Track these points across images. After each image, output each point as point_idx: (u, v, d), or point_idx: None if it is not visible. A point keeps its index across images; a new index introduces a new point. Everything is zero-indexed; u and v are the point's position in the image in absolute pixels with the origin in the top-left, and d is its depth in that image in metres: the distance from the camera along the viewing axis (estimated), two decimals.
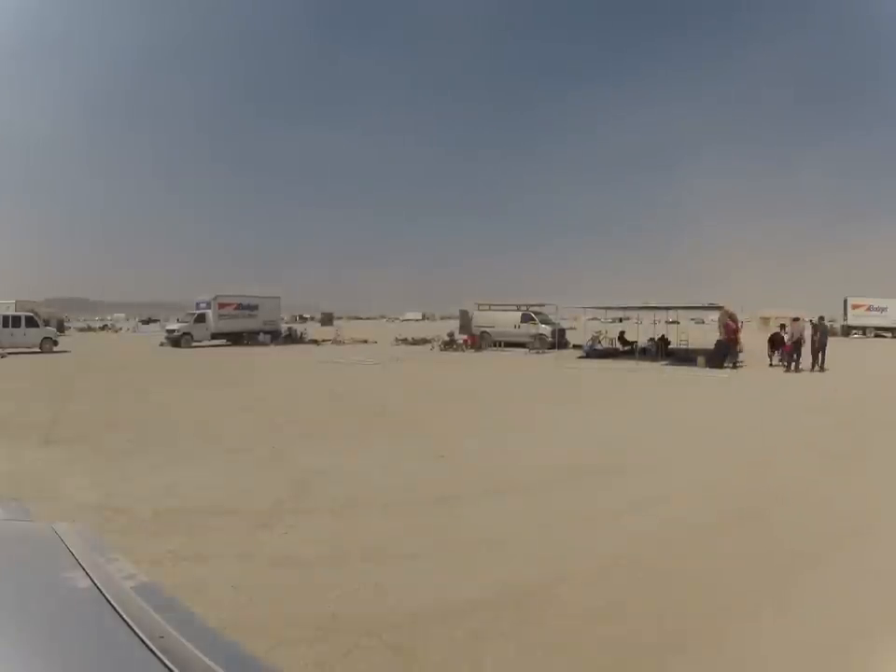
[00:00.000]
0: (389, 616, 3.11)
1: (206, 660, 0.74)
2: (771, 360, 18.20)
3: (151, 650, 0.75)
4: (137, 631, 0.79)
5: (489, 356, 23.44)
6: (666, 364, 19.01)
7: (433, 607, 3.24)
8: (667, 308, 21.49)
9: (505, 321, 26.82)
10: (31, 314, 25.32)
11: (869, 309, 39.96)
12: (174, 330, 28.20)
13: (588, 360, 20.37)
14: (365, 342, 31.24)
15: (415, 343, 30.25)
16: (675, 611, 3.21)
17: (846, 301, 40.68)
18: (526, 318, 26.12)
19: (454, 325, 29.40)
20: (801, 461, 6.70)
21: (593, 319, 31.99)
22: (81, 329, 54.20)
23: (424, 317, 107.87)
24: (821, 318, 17.59)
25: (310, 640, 2.87)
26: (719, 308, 19.35)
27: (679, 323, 26.14)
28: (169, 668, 0.71)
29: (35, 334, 23.91)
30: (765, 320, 44.60)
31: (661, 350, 21.30)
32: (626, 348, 22.99)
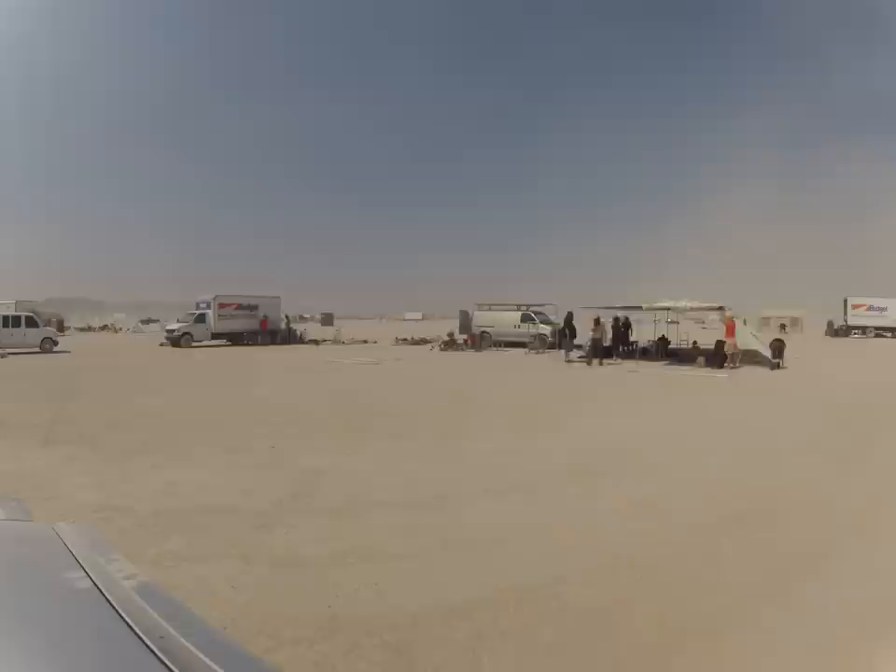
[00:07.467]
0: (389, 616, 3.12)
1: (206, 660, 0.74)
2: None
3: (151, 650, 0.75)
4: (137, 631, 0.79)
5: (489, 356, 23.45)
6: (667, 364, 19.02)
7: (433, 607, 3.24)
8: (667, 309, 21.46)
9: (505, 321, 26.83)
10: (31, 314, 25.32)
11: (869, 309, 39.94)
12: (174, 330, 28.17)
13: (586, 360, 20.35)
14: (365, 342, 31.24)
15: (415, 343, 30.26)
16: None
17: (846, 301, 40.67)
18: (526, 318, 26.15)
19: (454, 325, 29.38)
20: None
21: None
22: (81, 329, 54.13)
23: (424, 317, 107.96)
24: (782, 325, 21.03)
25: (310, 640, 2.87)
26: (718, 309, 19.35)
27: (678, 323, 26.13)
28: (169, 668, 0.71)
29: (34, 334, 23.88)
30: (766, 320, 44.63)
31: (661, 350, 21.29)
32: (626, 348, 22.95)
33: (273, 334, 30.62)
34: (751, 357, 18.10)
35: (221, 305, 28.86)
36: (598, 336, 19.31)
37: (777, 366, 17.38)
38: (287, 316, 32.93)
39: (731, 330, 17.96)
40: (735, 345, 17.77)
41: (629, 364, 18.55)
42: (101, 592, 0.90)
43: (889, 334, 37.64)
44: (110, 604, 0.87)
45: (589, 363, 18.73)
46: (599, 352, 19.15)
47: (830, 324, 41.27)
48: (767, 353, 17.86)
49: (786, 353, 17.93)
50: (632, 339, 22.61)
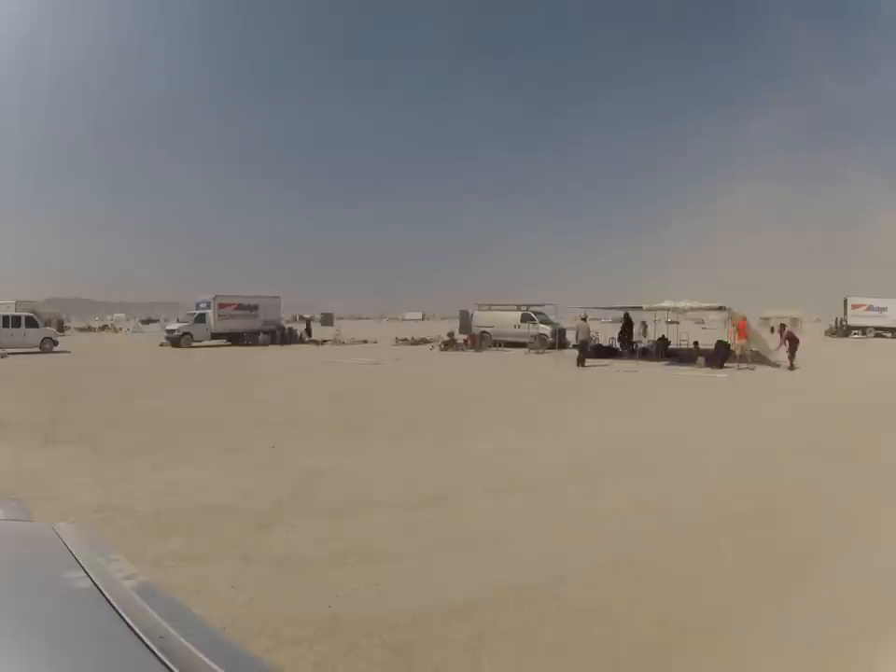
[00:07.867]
0: (389, 616, 3.12)
1: (206, 660, 0.74)
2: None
3: (151, 650, 0.75)
4: (137, 631, 0.79)
5: (489, 356, 23.44)
6: (667, 364, 19.01)
7: (433, 607, 3.24)
8: (667, 309, 21.47)
9: (505, 321, 26.81)
10: (31, 314, 25.31)
11: (869, 309, 39.94)
12: (174, 330, 28.18)
13: (588, 360, 20.35)
14: (365, 342, 31.23)
15: (415, 343, 30.26)
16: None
17: (846, 301, 40.66)
18: (526, 318, 26.13)
19: (454, 325, 29.39)
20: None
21: (593, 319, 32.22)
22: (81, 329, 54.18)
23: (424, 317, 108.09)
24: (782, 325, 19.90)
25: (310, 640, 2.87)
26: (718, 309, 19.36)
27: (678, 323, 26.17)
28: (169, 668, 0.71)
29: (34, 334, 23.89)
30: (766, 320, 44.59)
31: (661, 350, 21.29)
32: (627, 348, 22.96)
33: (274, 334, 30.62)
34: (749, 359, 18.10)
35: (221, 305, 28.84)
36: (584, 338, 18.99)
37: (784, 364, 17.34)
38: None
39: (743, 332, 17.50)
40: (744, 347, 17.44)
41: (629, 364, 18.53)
42: (101, 592, 0.90)
43: (889, 334, 37.63)
44: (110, 604, 0.87)
45: (581, 364, 18.42)
46: (585, 353, 18.76)
47: (830, 325, 41.36)
48: (776, 353, 17.91)
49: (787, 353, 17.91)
50: (633, 339, 22.68)
